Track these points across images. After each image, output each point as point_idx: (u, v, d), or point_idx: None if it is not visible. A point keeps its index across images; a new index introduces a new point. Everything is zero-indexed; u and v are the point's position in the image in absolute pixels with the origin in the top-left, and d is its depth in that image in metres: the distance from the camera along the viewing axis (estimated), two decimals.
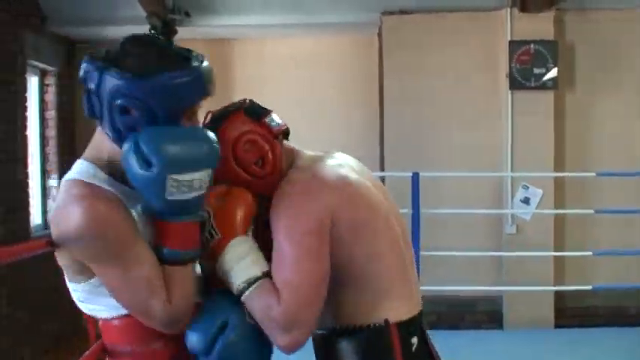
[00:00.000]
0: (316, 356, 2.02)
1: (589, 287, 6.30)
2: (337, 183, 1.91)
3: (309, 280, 1.81)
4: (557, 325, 6.54)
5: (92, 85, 1.74)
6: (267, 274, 1.83)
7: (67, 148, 7.32)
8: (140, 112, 1.72)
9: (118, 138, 1.75)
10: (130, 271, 1.71)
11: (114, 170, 1.79)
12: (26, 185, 6.35)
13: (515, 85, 6.51)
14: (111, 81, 1.71)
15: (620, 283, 6.55)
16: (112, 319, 1.83)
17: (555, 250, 6.53)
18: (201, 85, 1.81)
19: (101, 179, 1.78)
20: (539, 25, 6.57)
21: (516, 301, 6.54)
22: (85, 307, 1.87)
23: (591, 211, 6.37)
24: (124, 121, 1.73)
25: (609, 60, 6.79)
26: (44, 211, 7.07)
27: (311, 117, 7.57)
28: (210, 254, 1.85)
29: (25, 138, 6.33)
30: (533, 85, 6.51)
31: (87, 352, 2.09)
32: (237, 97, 7.33)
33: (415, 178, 5.89)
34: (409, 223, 5.93)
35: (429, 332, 2.06)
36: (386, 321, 1.89)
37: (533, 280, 6.36)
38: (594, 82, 6.81)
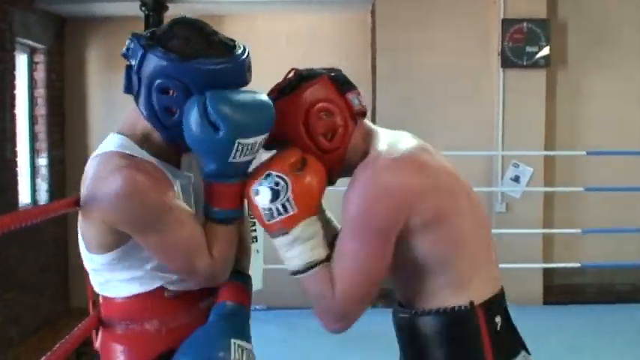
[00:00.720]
0: (399, 337, 2.01)
1: (578, 265, 6.36)
2: (419, 171, 1.82)
3: (368, 278, 1.79)
4: (546, 302, 6.60)
5: (134, 62, 1.77)
6: (328, 258, 1.82)
7: (57, 126, 7.29)
8: (179, 94, 1.76)
9: (152, 116, 1.79)
10: (171, 234, 1.77)
11: (148, 145, 1.84)
12: (15, 164, 6.34)
13: (507, 63, 6.51)
14: (154, 60, 1.75)
15: (608, 261, 6.61)
16: (116, 297, 1.88)
17: (544, 228, 6.57)
18: (242, 74, 1.86)
19: (137, 152, 1.82)
20: (532, 4, 6.57)
21: (505, 279, 6.51)
22: (98, 279, 1.90)
23: (581, 189, 6.40)
24: (162, 101, 1.77)
25: (601, 38, 6.79)
26: (33, 191, 7.05)
27: None
28: (271, 225, 1.81)
29: (13, 117, 6.31)
30: (525, 63, 6.51)
31: (82, 323, 2.12)
32: None
33: None
34: None
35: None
36: (471, 303, 1.85)
37: (523, 257, 6.40)
38: (586, 61, 6.81)
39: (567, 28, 6.82)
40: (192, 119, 1.73)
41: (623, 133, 6.77)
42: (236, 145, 1.75)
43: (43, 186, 7.07)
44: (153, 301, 1.87)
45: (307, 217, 1.79)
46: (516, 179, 6.54)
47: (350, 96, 1.89)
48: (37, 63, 7.08)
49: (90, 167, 1.81)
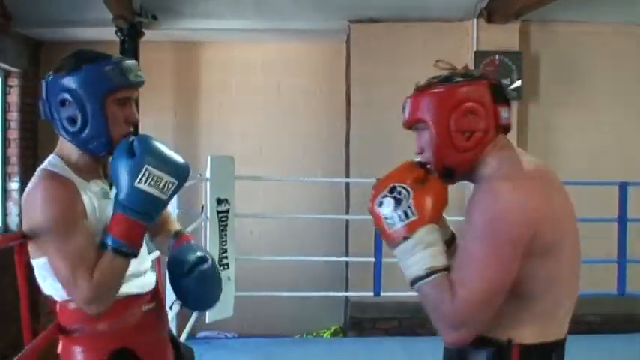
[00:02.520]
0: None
1: None
2: (549, 196, 1.84)
3: (490, 287, 1.75)
4: None
5: (43, 94, 2.11)
6: (447, 269, 1.82)
7: (30, 150, 7.24)
8: (75, 102, 2.04)
9: (63, 130, 2.10)
10: (66, 244, 1.96)
11: (71, 164, 2.12)
12: None
13: None
14: (51, 83, 2.09)
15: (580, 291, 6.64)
16: (67, 301, 2.08)
17: None
18: (118, 74, 2.08)
19: (61, 168, 2.08)
20: (505, 36, 6.67)
21: None
22: (43, 285, 2.11)
23: None
24: (64, 113, 2.07)
25: (572, 72, 6.91)
26: (4, 215, 6.99)
27: (277, 122, 7.60)
28: (393, 233, 1.85)
29: None
30: None
31: (43, 333, 2.32)
32: (202, 100, 7.37)
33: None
34: (371, 229, 5.97)
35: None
36: (509, 340, 1.84)
37: None
38: (557, 94, 6.92)
39: (539, 62, 6.93)
40: (120, 147, 2.04)
41: (594, 165, 6.85)
42: (144, 169, 1.99)
43: (14, 210, 7.01)
44: None
45: (428, 224, 1.84)
46: None
47: (500, 107, 1.92)
48: (11, 86, 7.05)
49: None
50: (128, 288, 2.12)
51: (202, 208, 5.27)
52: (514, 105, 6.66)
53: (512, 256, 1.75)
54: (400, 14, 6.70)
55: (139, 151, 2.00)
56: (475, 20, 6.63)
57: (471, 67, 6.55)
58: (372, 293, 6.02)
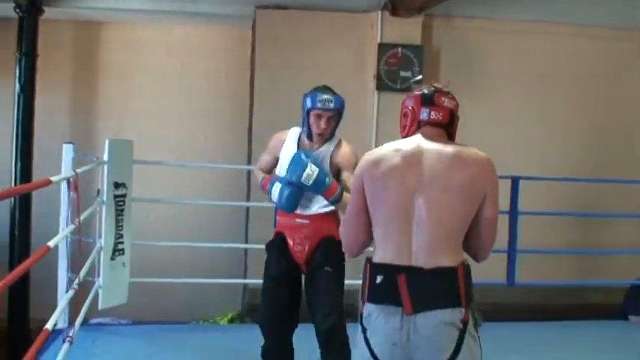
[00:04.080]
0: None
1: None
2: (374, 163, 2.63)
3: (348, 211, 2.72)
4: None
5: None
6: None
7: None
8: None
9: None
10: None
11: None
12: None
13: (382, 86, 6.69)
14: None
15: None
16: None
17: None
18: (315, 102, 3.91)
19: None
20: (408, 30, 6.77)
21: None
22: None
23: None
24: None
25: (472, 66, 7.10)
26: None
27: (179, 106, 7.49)
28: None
29: None
30: (399, 87, 6.70)
31: None
32: (102, 81, 7.16)
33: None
34: (271, 216, 5.97)
35: None
36: (367, 259, 2.57)
37: None
38: (456, 87, 7.01)
39: (440, 55, 7.07)
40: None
41: (494, 158, 7.04)
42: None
43: None
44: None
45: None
46: None
47: (424, 109, 2.72)
48: None
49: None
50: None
51: (98, 191, 5.14)
52: None
53: (359, 202, 2.60)
54: (307, 2, 6.71)
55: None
56: (380, 12, 6.71)
57: (374, 58, 6.65)
58: None
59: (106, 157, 5.04)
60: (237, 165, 7.15)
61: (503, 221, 6.77)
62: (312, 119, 3.84)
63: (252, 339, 5.73)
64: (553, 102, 7.25)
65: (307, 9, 6.75)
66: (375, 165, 2.55)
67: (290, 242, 3.89)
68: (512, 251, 6.43)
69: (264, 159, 4.09)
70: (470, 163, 2.60)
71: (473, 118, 7.10)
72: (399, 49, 6.70)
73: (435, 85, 2.80)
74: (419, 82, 6.72)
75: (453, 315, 2.41)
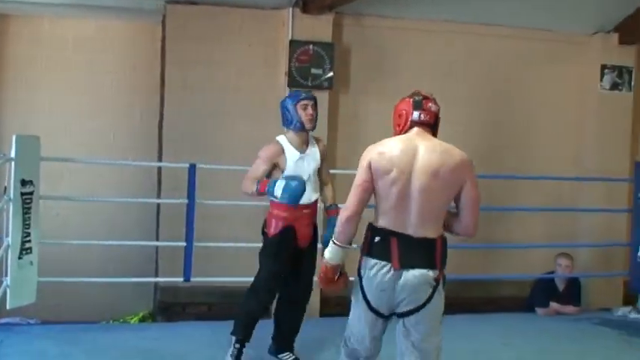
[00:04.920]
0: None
1: (351, 278, 6.65)
2: (380, 154, 3.44)
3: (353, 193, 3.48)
4: (323, 315, 6.86)
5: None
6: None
7: None
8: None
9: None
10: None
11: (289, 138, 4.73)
12: None
13: (293, 83, 6.73)
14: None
15: None
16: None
17: None
18: (299, 95, 4.70)
19: (282, 141, 4.73)
20: (318, 28, 6.84)
21: None
22: None
23: None
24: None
25: (381, 64, 7.22)
26: None
27: (88, 102, 7.36)
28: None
29: None
30: (310, 84, 6.76)
31: None
32: (8, 76, 6.95)
33: (192, 169, 5.92)
34: (184, 213, 5.96)
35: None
36: (369, 223, 3.40)
37: None
38: (366, 85, 7.20)
39: (351, 53, 7.16)
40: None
41: None
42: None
43: None
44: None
45: None
46: None
47: (415, 112, 3.54)
48: None
49: None
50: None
51: (5, 189, 5.01)
52: (326, 94, 6.86)
53: (365, 176, 3.36)
54: None
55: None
56: (291, 10, 6.75)
57: (285, 55, 6.69)
58: (182, 279, 6.01)
59: (13, 154, 4.92)
60: (148, 162, 7.08)
61: None
62: (300, 111, 4.62)
63: (164, 337, 5.72)
64: (457, 100, 7.43)
65: (218, 5, 6.73)
66: (380, 154, 3.37)
67: (299, 231, 4.69)
68: None
69: (262, 168, 4.62)
70: (453, 156, 3.34)
71: (382, 115, 7.20)
72: (311, 47, 6.76)
73: (423, 93, 3.59)
74: (330, 79, 6.81)
75: (429, 274, 3.26)
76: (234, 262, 6.59)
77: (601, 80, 7.71)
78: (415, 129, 3.48)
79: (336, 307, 6.98)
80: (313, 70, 6.78)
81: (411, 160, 3.30)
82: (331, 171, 6.96)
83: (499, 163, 7.49)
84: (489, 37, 7.49)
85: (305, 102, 4.68)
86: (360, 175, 3.36)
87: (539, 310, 6.97)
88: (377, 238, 3.30)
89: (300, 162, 4.66)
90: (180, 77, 6.73)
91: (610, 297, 7.65)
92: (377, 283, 3.29)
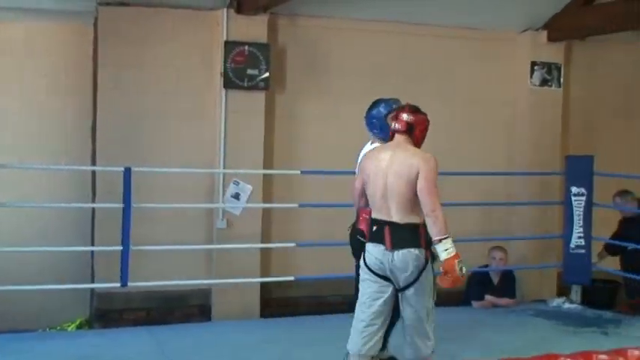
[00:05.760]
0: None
1: (292, 278, 6.70)
2: (367, 159, 4.32)
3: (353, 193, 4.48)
4: (263, 315, 6.86)
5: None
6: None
7: None
8: None
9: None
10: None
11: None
12: None
13: (229, 84, 6.70)
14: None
15: (320, 274, 7.02)
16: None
17: (263, 243, 6.83)
18: (390, 107, 4.73)
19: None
20: (254, 28, 6.82)
21: (225, 294, 6.74)
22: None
23: (296, 205, 6.77)
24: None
25: (316, 65, 7.24)
26: None
27: (18, 105, 7.16)
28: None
29: None
30: (246, 85, 6.74)
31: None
32: None
33: (127, 173, 5.84)
34: (120, 217, 5.88)
35: None
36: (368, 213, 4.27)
37: (243, 272, 6.60)
38: (302, 85, 7.21)
39: (286, 53, 7.17)
40: None
41: (334, 154, 7.22)
42: None
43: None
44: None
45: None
46: (237, 196, 6.74)
47: (393, 122, 4.27)
48: None
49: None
50: None
51: None
52: (262, 95, 6.86)
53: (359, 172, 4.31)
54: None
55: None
56: (225, 10, 6.71)
57: (220, 56, 6.66)
58: (118, 284, 5.93)
59: None
60: (82, 165, 6.94)
61: (324, 215, 7.03)
62: (390, 122, 4.52)
63: (102, 344, 5.65)
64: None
65: (151, 6, 6.64)
66: (368, 158, 4.28)
67: None
68: None
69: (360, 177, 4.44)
70: (410, 158, 4.06)
71: (317, 115, 7.27)
72: (246, 47, 6.74)
73: (402, 105, 4.34)
74: (266, 80, 6.81)
75: (415, 252, 4.00)
76: (171, 265, 6.55)
77: (531, 77, 7.89)
78: (396, 136, 4.20)
79: (277, 309, 7.02)
80: (249, 71, 6.75)
81: (387, 164, 4.07)
82: (269, 172, 7.02)
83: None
84: (421, 37, 7.57)
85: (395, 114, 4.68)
86: (358, 179, 4.37)
87: (475, 303, 7.10)
88: (374, 227, 4.12)
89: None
90: (113, 79, 6.62)
91: (544, 288, 7.84)
92: (375, 256, 4.08)
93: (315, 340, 5.79)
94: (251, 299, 6.85)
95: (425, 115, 4.25)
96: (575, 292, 7.49)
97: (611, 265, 7.47)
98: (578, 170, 7.28)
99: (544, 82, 7.94)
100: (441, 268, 4.04)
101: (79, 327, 6.87)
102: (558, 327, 6.53)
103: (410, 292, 4.08)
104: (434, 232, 3.95)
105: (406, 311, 4.15)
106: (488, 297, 7.10)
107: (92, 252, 6.69)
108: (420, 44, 7.61)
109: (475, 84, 7.83)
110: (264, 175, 6.91)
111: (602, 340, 5.97)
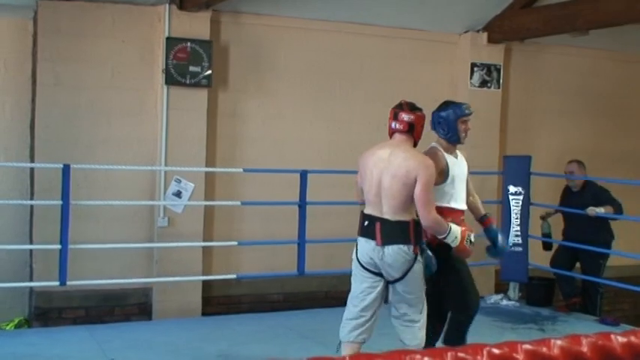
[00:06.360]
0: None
1: (234, 276, 6.70)
2: (364, 157, 4.46)
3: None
4: (205, 314, 6.84)
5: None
6: None
7: None
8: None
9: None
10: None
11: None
12: None
13: (171, 81, 6.65)
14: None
15: (262, 272, 7.04)
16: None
17: (205, 242, 6.81)
18: (462, 110, 4.79)
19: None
20: (196, 25, 6.78)
21: (166, 292, 6.70)
22: None
23: (238, 203, 6.78)
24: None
25: (259, 62, 7.23)
26: None
27: None
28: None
29: None
30: (188, 82, 6.70)
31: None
32: None
33: (66, 169, 5.77)
34: (59, 215, 5.81)
35: None
36: (361, 211, 4.40)
37: (184, 270, 6.57)
38: (245, 83, 7.20)
39: (229, 51, 7.15)
40: None
41: (277, 152, 7.25)
42: None
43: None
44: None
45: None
46: (178, 194, 6.70)
47: (392, 121, 4.40)
48: None
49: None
50: (457, 204, 4.67)
51: None
52: (204, 92, 6.83)
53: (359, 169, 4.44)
54: None
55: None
56: (167, 6, 6.66)
57: (162, 52, 6.61)
58: (57, 283, 5.86)
59: None
60: (20, 162, 6.81)
61: (266, 213, 7.05)
62: (460, 125, 4.73)
63: (41, 343, 5.58)
64: (336, 98, 7.56)
65: (92, 0, 6.55)
66: (366, 156, 4.37)
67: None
68: (301, 242, 6.68)
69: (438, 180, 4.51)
70: (409, 161, 4.19)
71: (260, 113, 7.28)
72: (188, 44, 6.69)
73: (400, 103, 4.40)
74: (208, 77, 6.78)
75: (404, 248, 4.17)
76: (111, 264, 6.49)
77: (471, 78, 8.01)
78: (396, 135, 4.34)
79: (219, 307, 7.01)
80: (191, 68, 6.71)
81: (384, 163, 4.22)
82: (211, 170, 7.00)
83: None
84: (364, 37, 7.64)
85: (466, 118, 4.79)
86: (359, 176, 4.49)
87: None
88: (366, 222, 4.29)
89: (457, 167, 4.75)
90: (53, 75, 6.51)
91: (482, 285, 7.93)
92: (366, 251, 4.27)
93: (255, 338, 5.82)
94: (192, 298, 6.82)
95: (421, 110, 4.37)
96: (513, 290, 7.66)
97: (548, 262, 7.64)
98: (516, 170, 7.45)
99: (484, 83, 8.07)
100: (455, 251, 4.43)
101: (18, 326, 6.75)
102: (496, 323, 6.67)
103: (400, 285, 4.26)
104: (437, 234, 4.30)
105: (397, 303, 4.33)
106: None
107: (31, 250, 6.58)
108: (363, 44, 7.68)
109: (416, 84, 7.90)
110: (207, 173, 6.89)
111: (539, 336, 6.05)
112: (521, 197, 7.37)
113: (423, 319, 4.37)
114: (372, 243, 4.21)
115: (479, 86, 8.05)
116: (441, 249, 4.41)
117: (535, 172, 7.44)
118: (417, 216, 4.21)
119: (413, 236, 4.20)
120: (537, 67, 8.57)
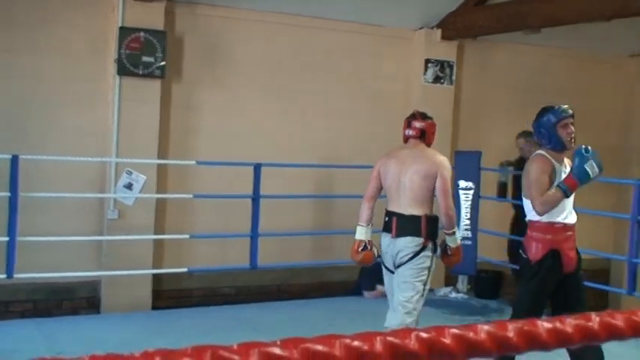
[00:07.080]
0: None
1: (185, 270, 6.67)
2: (385, 159, 4.87)
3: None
4: (155, 307, 6.79)
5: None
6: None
7: None
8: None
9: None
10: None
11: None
12: None
13: (123, 71, 6.57)
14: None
15: (214, 266, 7.02)
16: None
17: (156, 234, 6.77)
18: (560, 113, 4.38)
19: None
20: (150, 15, 6.71)
21: (116, 286, 6.62)
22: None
23: (190, 196, 6.74)
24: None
25: (214, 54, 7.19)
26: None
27: None
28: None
29: None
30: (141, 72, 6.63)
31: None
32: None
33: (14, 160, 5.68)
34: (6, 207, 5.72)
35: None
36: (385, 208, 4.75)
37: (134, 264, 6.51)
38: (199, 75, 7.16)
39: (184, 42, 7.09)
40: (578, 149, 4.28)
41: (229, 145, 7.22)
42: (589, 161, 4.22)
43: None
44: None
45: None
46: (129, 186, 6.63)
47: (407, 129, 4.81)
48: None
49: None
50: (564, 219, 4.31)
51: None
52: (158, 83, 6.77)
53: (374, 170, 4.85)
54: None
55: (590, 152, 4.18)
56: None
57: (115, 42, 6.54)
58: (4, 275, 5.77)
59: None
60: None
61: (219, 206, 6.98)
62: (560, 130, 4.30)
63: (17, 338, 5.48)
64: (292, 90, 7.56)
65: None
66: (386, 157, 4.81)
67: (565, 255, 4.30)
68: (254, 235, 6.67)
69: (547, 181, 4.25)
70: (427, 159, 4.66)
71: (214, 105, 7.24)
72: (142, 34, 6.62)
73: (413, 113, 4.87)
74: (162, 68, 6.73)
75: (415, 239, 4.54)
76: (60, 257, 6.40)
77: (424, 74, 8.08)
78: (410, 140, 4.78)
79: (170, 301, 6.97)
80: (144, 58, 6.64)
81: (402, 163, 4.66)
82: (163, 162, 6.94)
83: (331, 154, 7.69)
84: (320, 31, 7.65)
85: (566, 120, 4.33)
86: (372, 176, 4.82)
87: (366, 293, 7.25)
88: (387, 218, 4.69)
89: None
90: (3, 65, 6.38)
91: (432, 278, 8.02)
92: (386, 245, 4.67)
93: (205, 331, 5.80)
94: (143, 291, 6.77)
95: (432, 119, 4.83)
96: (462, 282, 7.76)
97: (496, 256, 7.75)
98: (467, 165, 7.52)
99: (437, 80, 8.15)
100: (449, 252, 4.80)
101: None
102: (444, 315, 6.75)
103: (402, 268, 4.58)
104: (447, 226, 4.72)
105: (395, 287, 4.64)
106: (379, 287, 7.25)
107: None
108: (318, 38, 7.69)
109: (371, 79, 7.96)
110: (159, 165, 6.83)
111: None
112: (471, 192, 7.46)
113: (410, 308, 4.53)
114: (389, 236, 4.63)
115: (432, 82, 8.12)
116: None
117: (485, 167, 7.53)
118: (430, 212, 4.63)
119: (424, 230, 4.56)
120: (489, 64, 8.67)
